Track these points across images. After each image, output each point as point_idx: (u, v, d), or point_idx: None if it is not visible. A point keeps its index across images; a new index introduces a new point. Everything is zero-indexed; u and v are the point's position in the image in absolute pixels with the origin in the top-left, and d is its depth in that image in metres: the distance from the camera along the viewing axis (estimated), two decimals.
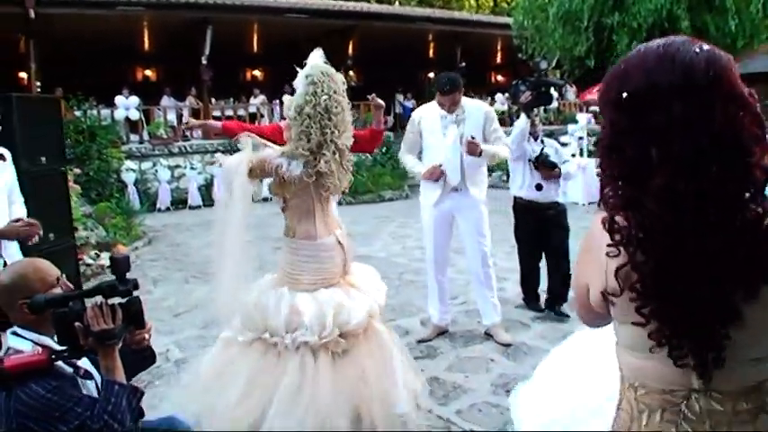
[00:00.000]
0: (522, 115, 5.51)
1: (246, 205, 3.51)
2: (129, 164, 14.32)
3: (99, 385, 2.44)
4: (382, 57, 21.09)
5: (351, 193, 12.04)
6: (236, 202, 3.48)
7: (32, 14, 14.88)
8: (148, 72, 23.69)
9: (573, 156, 5.59)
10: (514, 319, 5.73)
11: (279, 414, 3.33)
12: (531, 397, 3.40)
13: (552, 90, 5.59)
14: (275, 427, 3.31)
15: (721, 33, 14.01)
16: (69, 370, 2.36)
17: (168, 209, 14.64)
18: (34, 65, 16.50)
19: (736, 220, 1.23)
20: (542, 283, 6.10)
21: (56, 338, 2.37)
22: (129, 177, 14.08)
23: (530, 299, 6.15)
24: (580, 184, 11.43)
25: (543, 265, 6.11)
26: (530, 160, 5.66)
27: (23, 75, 18.31)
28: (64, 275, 2.58)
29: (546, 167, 5.64)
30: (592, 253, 1.40)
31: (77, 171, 11.69)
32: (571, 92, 21.65)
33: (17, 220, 3.85)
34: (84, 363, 2.44)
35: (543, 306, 5.98)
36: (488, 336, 5.37)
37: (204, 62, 17.87)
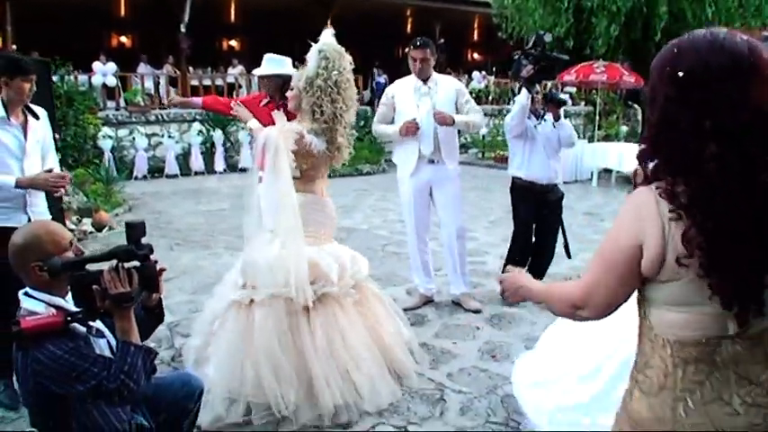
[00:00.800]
0: (524, 90, 5.24)
1: (290, 173, 3.67)
2: (105, 130, 14.17)
3: (111, 344, 2.51)
4: (361, 31, 21.01)
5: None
6: (283, 171, 3.64)
7: None
8: (124, 38, 23.35)
9: (563, 104, 5.48)
10: (497, 291, 5.87)
11: (319, 364, 3.61)
12: (530, 361, 3.57)
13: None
14: (320, 380, 3.58)
15: (698, 20, 14.24)
16: (83, 329, 2.42)
17: (145, 177, 14.55)
18: (10, 27, 16.21)
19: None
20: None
21: (70, 299, 2.43)
22: (105, 144, 13.93)
23: None
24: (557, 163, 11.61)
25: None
26: (539, 95, 5.44)
27: None
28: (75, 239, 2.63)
29: (554, 104, 5.45)
30: (647, 222, 1.53)
31: (55, 136, 11.56)
32: None
33: (49, 171, 3.91)
34: (96, 322, 2.50)
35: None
36: (457, 304, 5.58)
37: (183, 30, 17.66)
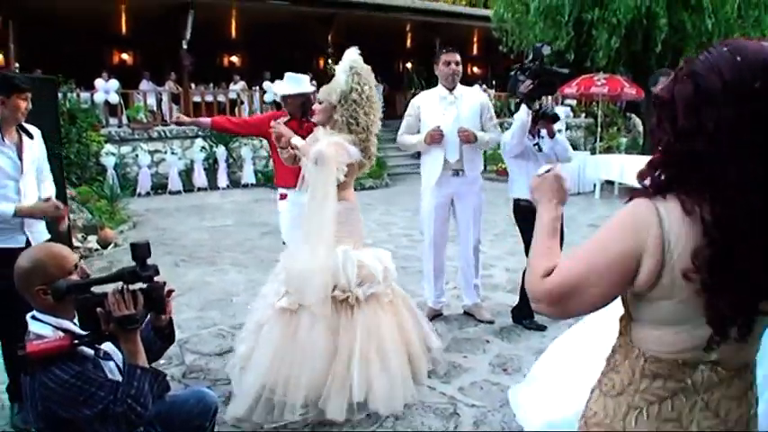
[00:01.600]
0: (523, 107, 4.92)
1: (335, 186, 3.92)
2: (108, 147, 14.22)
3: (119, 365, 2.50)
4: (361, 46, 21.01)
5: None
6: (331, 186, 3.87)
7: None
8: (126, 56, 23.43)
9: (557, 120, 5.28)
10: (505, 304, 5.89)
11: (361, 361, 3.79)
12: (531, 399, 3.60)
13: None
14: (361, 375, 3.76)
15: (698, 31, 14.26)
16: (90, 352, 2.41)
17: (148, 193, 14.59)
18: (13, 45, 16.28)
19: None
20: None
21: (77, 323, 2.41)
22: (108, 161, 13.98)
23: (528, 316, 5.42)
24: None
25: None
26: (533, 112, 4.99)
27: (0, 56, 18.07)
28: (82, 261, 2.62)
29: (547, 119, 5.14)
30: (647, 233, 1.47)
31: (61, 153, 11.59)
32: None
33: (47, 200, 3.90)
34: (104, 344, 2.49)
35: (545, 325, 5.38)
36: (469, 315, 5.60)
37: (185, 47, 17.73)
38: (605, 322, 1.77)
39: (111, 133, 15.12)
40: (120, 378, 2.41)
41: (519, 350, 4.91)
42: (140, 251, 2.35)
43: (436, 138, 5.19)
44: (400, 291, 4.31)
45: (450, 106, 5.31)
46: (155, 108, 17.54)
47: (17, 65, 15.79)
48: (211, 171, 15.59)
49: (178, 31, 17.71)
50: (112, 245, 8.89)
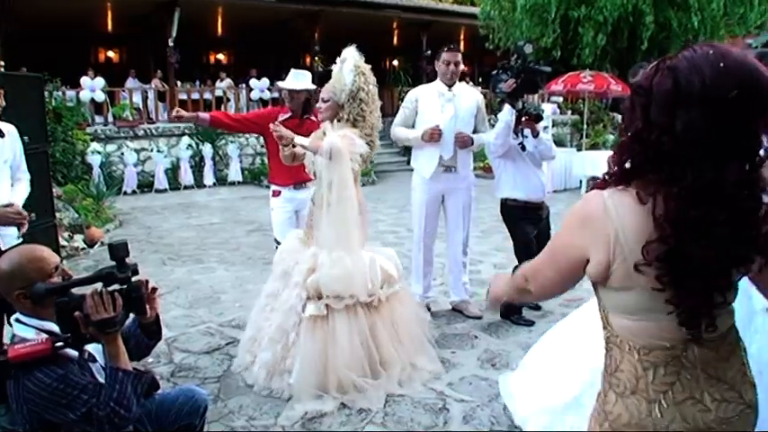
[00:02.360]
0: (506, 106, 4.89)
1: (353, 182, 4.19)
2: (94, 146, 14.12)
3: (104, 367, 2.45)
4: (348, 43, 21.00)
5: None
6: (349, 180, 4.10)
7: None
8: (111, 53, 23.30)
9: (540, 119, 5.22)
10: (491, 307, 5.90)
11: (388, 358, 4.18)
12: (524, 387, 3.63)
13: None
14: (394, 369, 4.18)
15: (683, 29, 14.40)
16: (75, 353, 2.38)
17: (134, 192, 14.52)
18: None
19: (755, 209, 1.48)
20: None
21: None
22: (94, 160, 13.89)
23: (516, 312, 5.44)
24: (545, 171, 11.65)
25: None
26: (516, 111, 4.95)
27: None
28: (64, 262, 2.58)
29: (531, 119, 5.05)
30: (592, 226, 1.55)
31: (46, 151, 11.52)
32: None
33: (9, 205, 3.80)
34: (88, 345, 2.45)
35: (533, 320, 5.43)
36: (457, 311, 5.63)
37: (171, 44, 17.64)
38: (593, 314, 1.80)
39: (98, 132, 15.03)
40: (102, 381, 2.38)
41: (507, 345, 4.92)
42: (118, 251, 2.31)
43: (435, 137, 5.20)
44: (406, 285, 4.58)
45: (448, 103, 5.32)
46: (141, 106, 17.44)
47: (2, 63, 15.64)
48: (198, 169, 15.52)
49: (164, 29, 17.60)
50: (99, 244, 8.84)
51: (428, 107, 5.36)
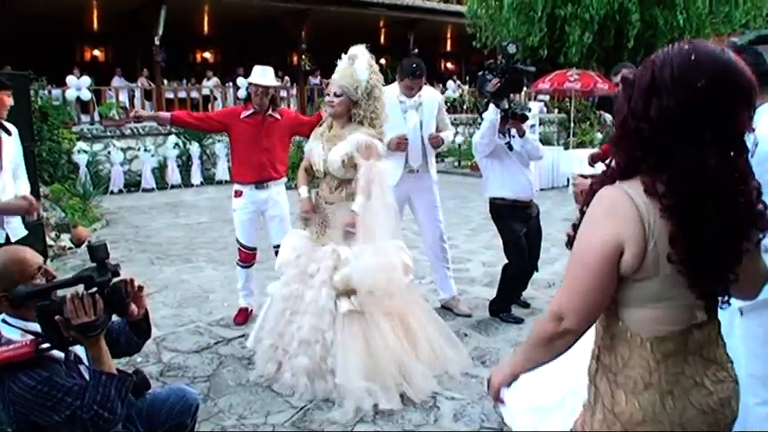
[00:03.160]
0: (492, 106, 4.94)
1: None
2: (80, 145, 14.03)
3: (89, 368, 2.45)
4: (334, 42, 21.00)
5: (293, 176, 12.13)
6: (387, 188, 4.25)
7: None
8: (97, 52, 23.18)
9: (526, 119, 5.23)
10: (482, 298, 5.92)
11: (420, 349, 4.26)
12: (513, 386, 3.64)
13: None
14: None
15: (669, 27, 14.49)
16: (61, 355, 2.37)
17: (121, 191, 14.43)
18: None
19: (751, 191, 1.59)
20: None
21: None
22: (81, 159, 13.78)
23: (505, 310, 5.44)
24: (532, 170, 11.68)
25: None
26: (502, 111, 4.97)
27: None
28: (48, 263, 2.56)
29: (516, 119, 5.04)
30: (622, 215, 1.57)
31: (32, 150, 11.45)
32: None
33: (22, 197, 3.92)
34: (74, 347, 2.44)
35: (522, 318, 5.40)
36: (447, 309, 5.62)
37: (157, 43, 17.57)
38: None
39: (84, 131, 14.93)
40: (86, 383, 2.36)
41: (497, 343, 4.94)
42: (98, 253, 2.27)
43: (402, 146, 5.19)
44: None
45: (410, 110, 5.29)
46: (127, 104, 17.35)
47: None
48: (185, 168, 15.45)
49: (150, 27, 17.55)
50: (86, 243, 8.78)
51: (392, 115, 5.15)
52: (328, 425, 3.76)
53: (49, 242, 8.11)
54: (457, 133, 20.31)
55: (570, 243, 1.70)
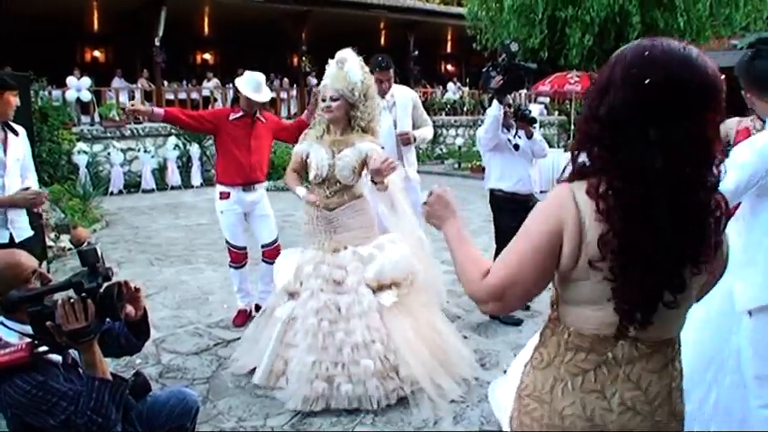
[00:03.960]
0: (495, 102, 5.09)
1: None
2: (80, 146, 14.05)
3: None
4: (335, 43, 20.97)
5: (277, 178, 12.15)
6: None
7: None
8: (98, 53, 23.18)
9: (534, 122, 5.40)
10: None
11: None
12: (510, 396, 3.62)
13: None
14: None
15: (670, 29, 14.45)
16: (58, 358, 2.37)
17: (121, 192, 14.45)
18: None
19: (700, 204, 1.49)
20: None
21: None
22: (81, 160, 13.81)
23: None
24: (534, 172, 11.68)
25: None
26: (511, 112, 5.32)
27: None
28: (44, 263, 2.54)
29: (525, 121, 5.33)
30: (566, 214, 1.53)
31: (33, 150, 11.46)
32: None
33: (26, 189, 3.99)
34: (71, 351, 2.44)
35: (521, 319, 5.49)
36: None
37: (157, 44, 17.58)
38: None
39: (84, 131, 14.95)
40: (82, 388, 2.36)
41: (496, 345, 4.94)
42: (88, 257, 2.26)
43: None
44: None
45: (384, 112, 5.27)
46: (128, 106, 17.32)
47: None
48: (185, 169, 15.47)
49: (150, 28, 17.57)
50: (86, 244, 8.78)
51: None
52: (328, 426, 3.75)
53: (49, 243, 8.09)
54: (457, 135, 20.38)
55: None
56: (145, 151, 15.15)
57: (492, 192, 5.53)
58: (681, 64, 1.45)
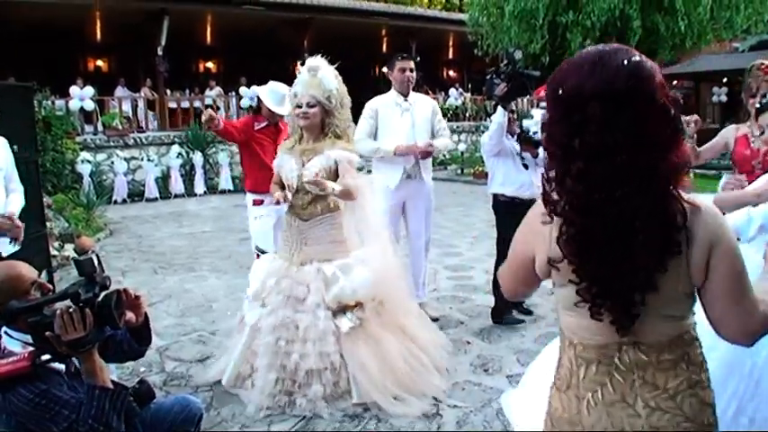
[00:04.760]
0: (499, 109, 5.10)
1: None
2: (84, 155, 14.10)
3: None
4: (337, 50, 21.00)
5: None
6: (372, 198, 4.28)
7: None
8: (100, 62, 23.25)
9: (539, 146, 5.55)
10: (485, 305, 5.91)
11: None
12: (525, 404, 3.63)
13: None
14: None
15: (671, 33, 14.49)
16: (61, 366, 2.38)
17: (125, 201, 14.49)
18: None
19: (639, 204, 1.47)
20: None
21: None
22: (84, 169, 13.86)
23: (505, 312, 5.56)
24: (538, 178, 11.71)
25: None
26: (516, 134, 5.40)
27: None
28: (45, 272, 2.54)
29: (531, 145, 5.34)
30: (534, 233, 1.64)
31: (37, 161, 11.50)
32: None
33: (4, 216, 3.82)
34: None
35: (522, 319, 5.58)
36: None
37: (160, 53, 17.65)
38: None
39: (87, 141, 15.01)
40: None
41: (499, 350, 4.94)
42: (85, 267, 2.28)
43: (412, 151, 5.34)
44: None
45: (405, 113, 5.43)
46: (130, 115, 17.42)
47: None
48: (188, 178, 15.51)
49: (153, 38, 17.62)
50: (90, 252, 8.81)
51: (387, 118, 5.44)
52: (332, 428, 3.76)
53: (53, 252, 8.13)
54: (459, 141, 20.38)
55: None
56: (148, 160, 15.19)
57: (495, 196, 5.56)
58: (589, 71, 1.46)
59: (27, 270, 2.47)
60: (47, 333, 2.22)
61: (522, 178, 5.37)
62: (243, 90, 17.78)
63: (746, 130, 4.32)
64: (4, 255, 3.83)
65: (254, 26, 19.69)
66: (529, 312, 5.64)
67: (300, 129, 4.16)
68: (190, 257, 8.67)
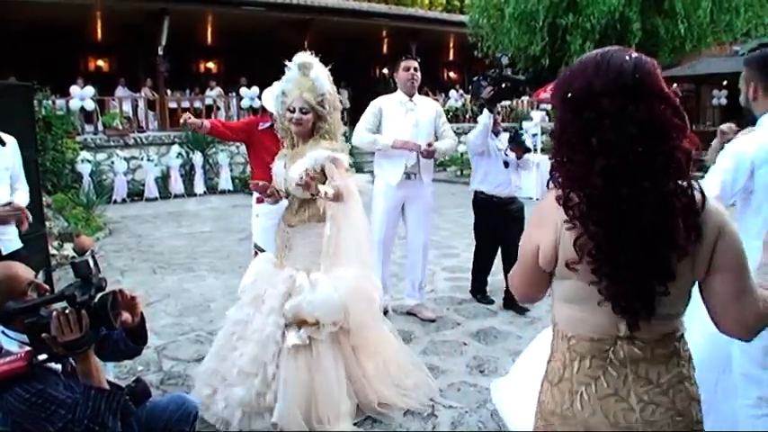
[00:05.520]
0: (485, 110, 5.39)
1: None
2: (84, 155, 14.13)
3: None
4: (338, 51, 21.07)
5: None
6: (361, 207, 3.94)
7: None
8: (101, 62, 23.27)
9: (527, 151, 5.71)
10: (482, 306, 5.95)
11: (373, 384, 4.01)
12: (515, 393, 3.65)
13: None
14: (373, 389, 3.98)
15: (671, 36, 14.51)
16: (58, 366, 2.39)
17: (124, 200, 14.52)
18: None
19: (664, 192, 1.51)
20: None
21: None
22: (84, 168, 13.89)
23: (479, 291, 6.19)
24: (534, 178, 11.71)
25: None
26: (510, 135, 5.88)
27: None
28: (42, 272, 2.55)
29: (519, 148, 5.80)
30: (545, 223, 1.65)
31: (37, 160, 11.51)
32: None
33: (7, 204, 3.85)
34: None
35: (493, 299, 6.07)
36: (411, 314, 5.76)
37: (160, 53, 17.67)
38: None
39: (87, 140, 15.04)
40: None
41: (496, 352, 4.96)
42: (81, 269, 2.29)
43: (409, 146, 5.34)
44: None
45: (410, 112, 5.48)
46: (131, 114, 17.45)
47: None
48: (188, 178, 15.54)
49: (153, 38, 17.65)
50: (89, 252, 8.82)
51: (392, 115, 5.48)
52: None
53: (52, 251, 8.14)
54: (460, 142, 20.36)
55: None
56: (148, 160, 15.22)
57: (475, 193, 5.94)
58: (595, 70, 1.54)
59: (24, 271, 2.49)
60: (43, 334, 2.23)
61: (501, 177, 5.73)
62: (243, 90, 17.81)
63: None
64: (5, 253, 3.85)
65: (255, 26, 19.70)
66: (524, 311, 5.69)
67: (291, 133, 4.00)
68: (188, 257, 8.68)
